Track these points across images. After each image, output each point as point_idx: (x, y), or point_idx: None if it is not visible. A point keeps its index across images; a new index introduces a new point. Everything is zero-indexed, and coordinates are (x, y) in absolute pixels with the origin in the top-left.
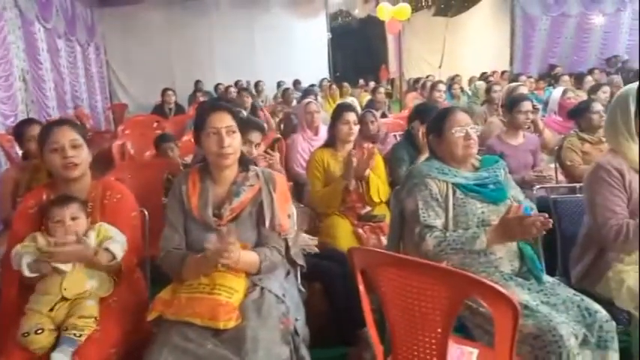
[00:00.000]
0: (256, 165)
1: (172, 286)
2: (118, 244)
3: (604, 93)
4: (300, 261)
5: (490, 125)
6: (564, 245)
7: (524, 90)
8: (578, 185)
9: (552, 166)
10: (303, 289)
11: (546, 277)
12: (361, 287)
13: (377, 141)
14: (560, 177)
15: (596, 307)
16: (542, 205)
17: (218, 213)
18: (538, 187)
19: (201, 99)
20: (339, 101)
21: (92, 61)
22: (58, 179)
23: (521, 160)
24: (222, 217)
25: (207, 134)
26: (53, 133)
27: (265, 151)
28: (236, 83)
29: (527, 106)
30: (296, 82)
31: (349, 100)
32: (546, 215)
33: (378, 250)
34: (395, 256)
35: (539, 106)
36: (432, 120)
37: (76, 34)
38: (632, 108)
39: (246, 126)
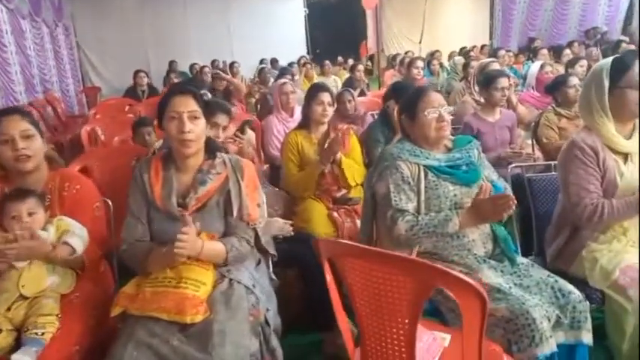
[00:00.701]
0: (226, 149)
1: (136, 280)
2: (77, 237)
3: (581, 67)
4: (272, 250)
5: (464, 104)
6: (539, 224)
7: (496, 66)
8: (553, 163)
9: (529, 142)
10: (274, 278)
11: (520, 259)
12: (328, 277)
13: (355, 121)
14: (538, 153)
15: (570, 287)
16: (518, 184)
17: (183, 202)
18: (514, 165)
19: (175, 80)
20: (316, 80)
21: (61, 42)
22: (12, 172)
23: (499, 137)
24: (187, 207)
25: (168, 118)
26: (1, 123)
27: (235, 134)
28: (212, 63)
29: (503, 82)
30: (273, 61)
31: (331, 79)
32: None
33: (342, 241)
34: (359, 247)
35: (517, 81)
36: (404, 101)
37: (41, 14)
38: (606, 83)
39: (211, 109)
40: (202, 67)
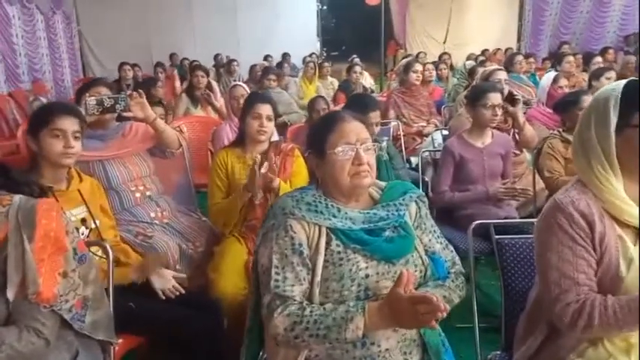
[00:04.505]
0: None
1: None
2: None
3: (608, 79)
4: (102, 335)
5: (459, 118)
6: (510, 307)
7: (502, 75)
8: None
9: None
10: None
11: None
12: None
13: None
14: (540, 186)
15: None
16: (483, 249)
17: None
18: (477, 222)
19: (160, 75)
20: (316, 83)
21: (59, 30)
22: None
23: (487, 167)
24: None
25: None
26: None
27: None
28: (215, 57)
29: (493, 98)
30: (285, 56)
31: (328, 81)
32: (442, 306)
33: None
34: None
35: (532, 92)
36: (310, 131)
37: (34, 0)
38: (613, 120)
39: (51, 111)
40: (192, 62)
